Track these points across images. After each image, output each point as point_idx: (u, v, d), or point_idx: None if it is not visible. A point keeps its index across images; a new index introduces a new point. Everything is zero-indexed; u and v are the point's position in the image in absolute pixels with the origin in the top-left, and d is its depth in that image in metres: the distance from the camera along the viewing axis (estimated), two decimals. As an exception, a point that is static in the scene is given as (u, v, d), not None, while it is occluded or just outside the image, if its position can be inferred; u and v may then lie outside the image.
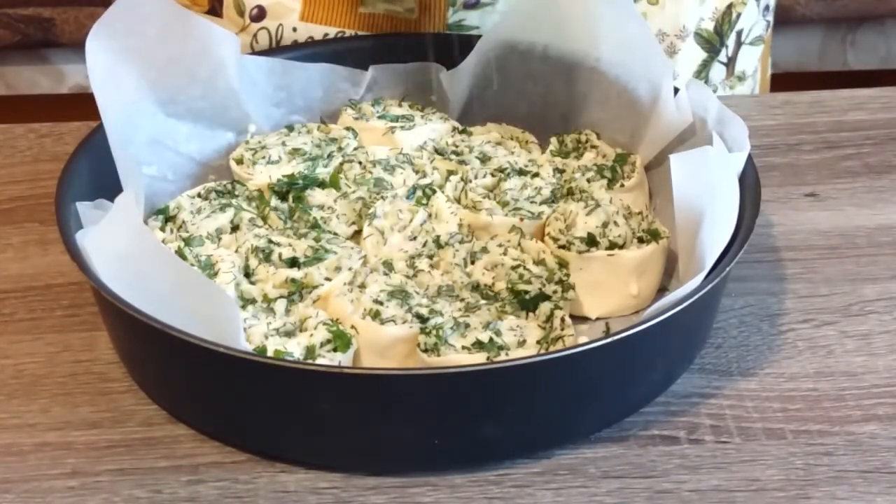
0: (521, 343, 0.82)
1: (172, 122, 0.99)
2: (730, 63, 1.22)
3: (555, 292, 0.86)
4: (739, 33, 1.21)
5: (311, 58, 1.06)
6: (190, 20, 0.97)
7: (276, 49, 1.13)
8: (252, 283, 0.88)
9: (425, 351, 0.81)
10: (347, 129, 1.03)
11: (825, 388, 0.85)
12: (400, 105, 1.07)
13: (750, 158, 0.90)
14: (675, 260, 0.89)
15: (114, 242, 0.80)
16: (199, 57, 0.98)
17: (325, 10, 1.15)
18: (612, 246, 0.89)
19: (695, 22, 1.18)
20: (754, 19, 1.21)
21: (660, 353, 0.82)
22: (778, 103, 1.15)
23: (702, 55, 1.20)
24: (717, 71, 1.21)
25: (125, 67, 0.94)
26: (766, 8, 1.22)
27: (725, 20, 1.19)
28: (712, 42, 1.19)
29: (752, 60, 1.23)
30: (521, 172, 0.98)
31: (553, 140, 1.02)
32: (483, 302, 0.85)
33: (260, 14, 1.17)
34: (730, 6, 1.19)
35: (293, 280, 0.87)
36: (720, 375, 0.86)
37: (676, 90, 0.96)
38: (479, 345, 0.81)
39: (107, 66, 0.92)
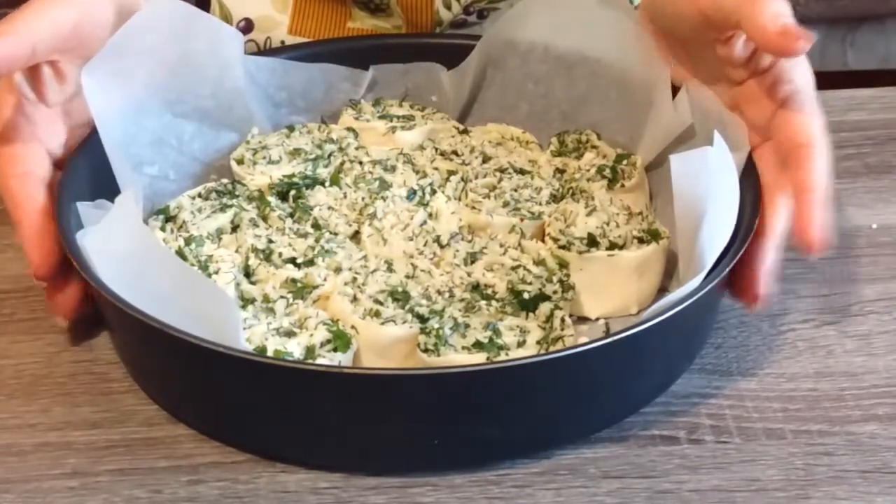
0: (521, 343, 0.82)
1: (178, 122, 0.99)
2: None
3: (555, 292, 0.86)
4: None
5: (312, 58, 1.06)
6: (199, 19, 0.97)
7: (276, 49, 1.13)
8: (252, 283, 0.88)
9: (425, 351, 0.81)
10: (348, 129, 1.03)
11: (825, 388, 0.85)
12: (400, 105, 1.07)
13: (750, 158, 0.90)
14: (675, 260, 0.89)
15: (114, 242, 0.80)
16: (208, 56, 0.98)
17: (314, 23, 1.16)
18: (613, 246, 0.89)
19: None
20: None
21: (660, 353, 0.82)
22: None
23: None
24: None
25: (137, 69, 0.94)
26: None
27: None
28: None
29: None
30: (522, 172, 0.98)
31: (553, 140, 1.02)
32: (483, 302, 0.85)
33: (248, 27, 1.17)
34: None
35: (293, 280, 0.87)
36: (720, 375, 0.86)
37: (676, 91, 0.96)
38: (478, 345, 0.81)
39: (112, 69, 0.92)
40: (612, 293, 0.89)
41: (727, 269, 0.82)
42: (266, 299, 0.86)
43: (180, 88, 0.98)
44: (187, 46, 0.96)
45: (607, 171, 0.96)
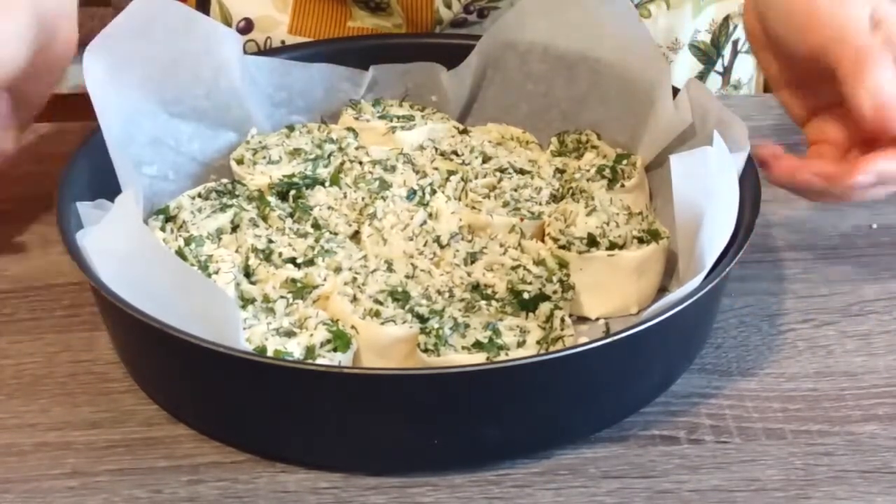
0: (521, 343, 0.82)
1: (175, 122, 0.99)
2: (726, 72, 1.22)
3: (555, 292, 0.86)
4: (735, 43, 1.21)
5: (312, 58, 1.06)
6: (195, 19, 0.97)
7: (276, 49, 1.13)
8: (252, 283, 0.88)
9: (425, 351, 0.81)
10: (348, 129, 1.03)
11: (825, 388, 0.85)
12: (400, 105, 1.07)
13: (750, 158, 0.90)
14: (675, 260, 0.89)
15: (114, 242, 0.80)
16: (203, 56, 0.98)
17: (314, 23, 1.16)
18: (613, 246, 0.89)
19: (688, 34, 1.19)
20: None
21: (660, 353, 0.82)
22: (778, 103, 1.15)
23: (698, 66, 1.20)
24: (713, 81, 1.21)
25: (130, 69, 0.94)
26: None
27: (722, 32, 1.19)
28: (709, 54, 1.20)
29: (748, 69, 1.23)
30: (522, 172, 0.98)
31: (553, 140, 1.02)
32: (483, 302, 0.85)
33: (247, 27, 1.17)
34: (727, 18, 1.19)
35: (293, 280, 0.87)
36: (720, 375, 0.86)
37: (676, 91, 0.96)
38: (478, 345, 0.81)
39: (108, 68, 0.92)
40: (612, 293, 0.89)
41: (727, 269, 0.82)
42: (266, 299, 0.86)
43: (175, 89, 0.98)
44: (181, 47, 0.96)
45: (607, 171, 0.96)
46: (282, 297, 0.86)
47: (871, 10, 0.88)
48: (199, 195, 0.96)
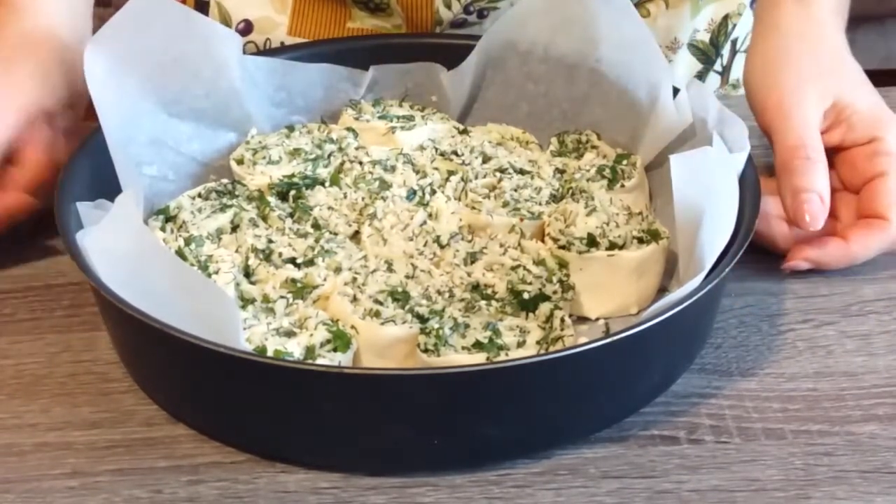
0: (521, 343, 0.82)
1: (175, 122, 0.99)
2: (724, 72, 1.22)
3: (555, 292, 0.86)
4: (734, 42, 1.21)
5: (312, 58, 1.06)
6: (194, 20, 0.97)
7: (276, 49, 1.13)
8: (252, 283, 0.88)
9: (425, 351, 0.81)
10: (348, 129, 1.03)
11: (825, 388, 0.85)
12: (400, 105, 1.07)
13: (750, 158, 0.90)
14: (675, 260, 0.90)
15: (114, 242, 0.80)
16: (202, 56, 0.98)
17: (313, 24, 1.16)
18: (612, 246, 0.89)
19: (687, 34, 1.19)
20: (749, 27, 1.21)
21: (660, 353, 0.82)
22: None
23: (697, 66, 1.20)
24: (712, 80, 1.21)
25: (129, 69, 0.94)
26: None
27: (721, 31, 1.19)
28: (708, 53, 1.20)
29: None
30: (522, 172, 0.98)
31: (553, 140, 1.02)
32: (483, 302, 0.85)
33: (247, 28, 1.17)
34: (726, 17, 1.19)
35: (293, 280, 0.87)
36: (720, 375, 0.86)
37: (676, 91, 0.96)
38: (478, 345, 0.81)
39: (108, 68, 0.92)
40: (611, 293, 0.89)
41: (727, 269, 0.82)
42: (266, 299, 0.86)
43: (175, 89, 0.98)
44: (181, 47, 0.96)
45: (607, 171, 0.96)
46: (282, 297, 0.86)
47: (834, 99, 0.93)
48: (199, 195, 0.96)
